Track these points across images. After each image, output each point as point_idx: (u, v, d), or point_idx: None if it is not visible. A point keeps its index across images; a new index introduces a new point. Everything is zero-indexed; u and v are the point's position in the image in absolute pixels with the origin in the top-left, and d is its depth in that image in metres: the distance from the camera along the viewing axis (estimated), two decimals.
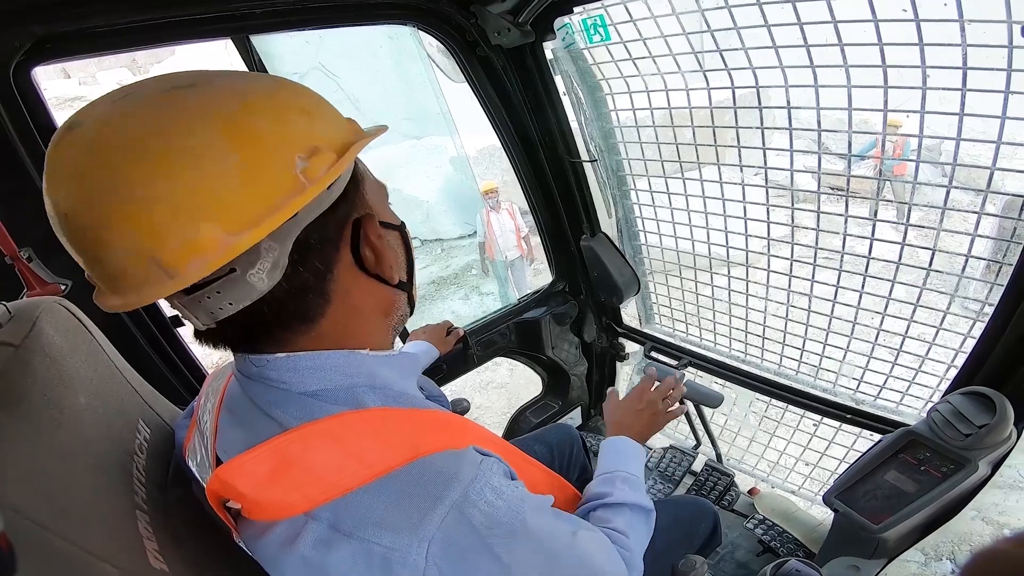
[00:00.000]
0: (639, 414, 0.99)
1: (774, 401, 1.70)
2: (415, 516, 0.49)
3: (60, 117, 0.98)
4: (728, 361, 1.76)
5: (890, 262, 1.28)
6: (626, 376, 2.16)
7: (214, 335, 0.54)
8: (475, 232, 5.76)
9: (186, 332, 1.21)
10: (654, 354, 1.93)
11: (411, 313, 0.68)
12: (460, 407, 1.42)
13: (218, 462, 0.59)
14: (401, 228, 0.65)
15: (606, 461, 0.88)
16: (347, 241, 0.56)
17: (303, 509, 0.49)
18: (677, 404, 1.04)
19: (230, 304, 0.50)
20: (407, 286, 0.65)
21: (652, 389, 1.03)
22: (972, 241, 1.14)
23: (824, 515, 1.55)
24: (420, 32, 1.44)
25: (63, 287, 0.92)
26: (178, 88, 0.48)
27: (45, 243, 0.96)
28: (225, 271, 0.48)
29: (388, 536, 0.48)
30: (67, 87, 10.51)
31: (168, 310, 1.18)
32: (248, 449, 0.52)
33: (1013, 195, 1.07)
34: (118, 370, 0.70)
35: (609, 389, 1.11)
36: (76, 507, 0.48)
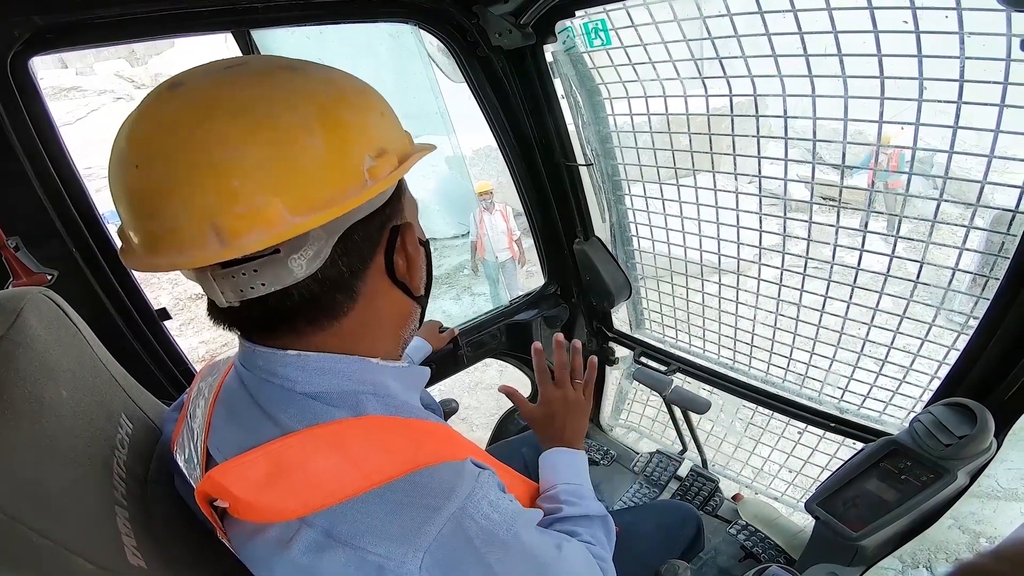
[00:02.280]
0: (554, 420, 0.88)
1: (760, 408, 1.72)
2: (412, 526, 0.49)
3: (55, 107, 0.97)
4: (716, 368, 1.78)
5: (878, 273, 1.29)
6: (614, 381, 2.17)
7: (232, 315, 0.54)
8: (468, 232, 5.75)
9: (172, 325, 1.21)
10: (643, 359, 1.94)
11: (418, 327, 0.69)
12: (448, 408, 1.42)
13: (208, 458, 0.58)
14: (426, 245, 0.66)
15: (543, 479, 0.82)
16: (384, 246, 0.58)
17: (298, 514, 0.49)
18: (586, 371, 0.90)
19: (263, 284, 0.50)
20: (424, 300, 0.67)
21: (552, 385, 0.90)
22: (960, 254, 1.16)
23: (805, 522, 1.56)
24: (421, 31, 1.44)
25: (49, 277, 0.92)
26: (283, 68, 0.51)
27: (32, 232, 0.95)
28: (269, 251, 0.48)
29: (384, 545, 0.48)
30: (63, 77, 10.40)
31: (155, 303, 1.17)
32: (244, 450, 0.51)
33: (1002, 209, 1.08)
34: (102, 363, 0.69)
35: (501, 387, 0.97)
36: (54, 501, 0.47)
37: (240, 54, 1.21)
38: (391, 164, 0.53)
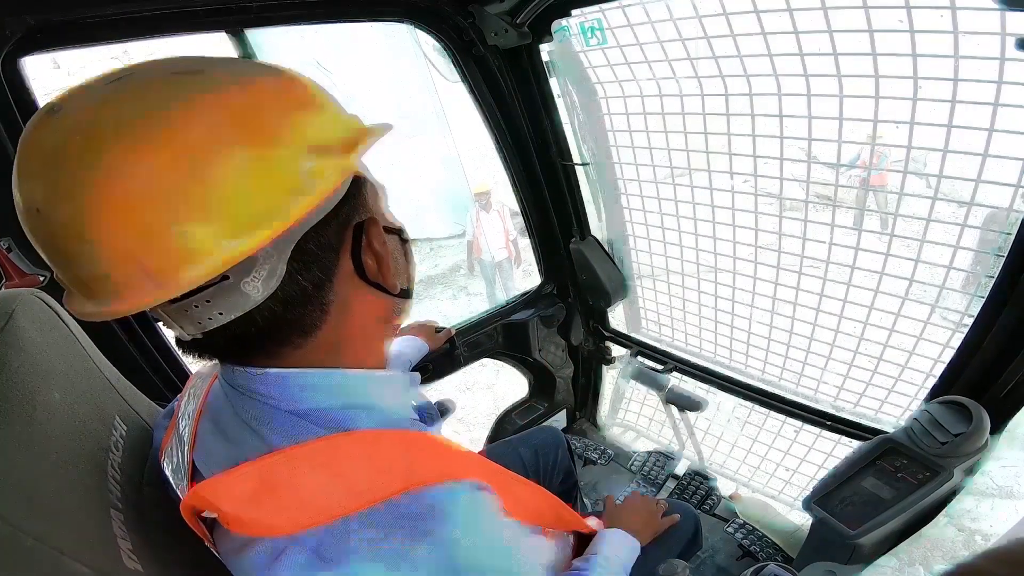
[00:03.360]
0: (634, 511, 1.04)
1: (756, 407, 1.72)
2: (401, 550, 0.47)
3: None
4: (713, 367, 1.78)
5: (873, 272, 1.30)
6: (611, 380, 2.17)
7: (200, 345, 0.51)
8: (464, 232, 5.75)
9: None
10: (640, 358, 1.94)
11: (405, 319, 0.65)
12: (445, 408, 1.41)
13: (194, 470, 0.57)
14: (401, 232, 0.61)
15: (594, 543, 0.89)
16: (348, 247, 0.53)
17: (287, 531, 0.47)
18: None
19: (220, 314, 0.46)
20: (407, 293, 0.62)
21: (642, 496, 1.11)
22: (954, 253, 1.16)
23: (803, 520, 1.57)
24: (417, 30, 1.44)
25: (41, 278, 0.91)
26: (182, 73, 0.44)
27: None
28: (217, 278, 0.44)
29: (371, 567, 0.46)
30: (55, 77, 10.33)
31: None
32: (231, 466, 0.50)
33: (996, 207, 1.09)
34: (95, 365, 0.68)
35: (606, 496, 1.15)
36: (48, 505, 0.47)
37: (235, 54, 1.21)
38: (334, 161, 0.47)
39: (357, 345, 0.57)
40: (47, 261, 0.45)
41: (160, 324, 1.17)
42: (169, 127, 0.41)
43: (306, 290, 0.49)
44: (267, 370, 0.52)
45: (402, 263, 0.61)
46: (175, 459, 0.60)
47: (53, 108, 0.43)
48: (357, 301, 0.55)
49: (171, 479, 0.60)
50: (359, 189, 0.54)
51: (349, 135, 0.51)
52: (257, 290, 0.46)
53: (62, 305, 0.67)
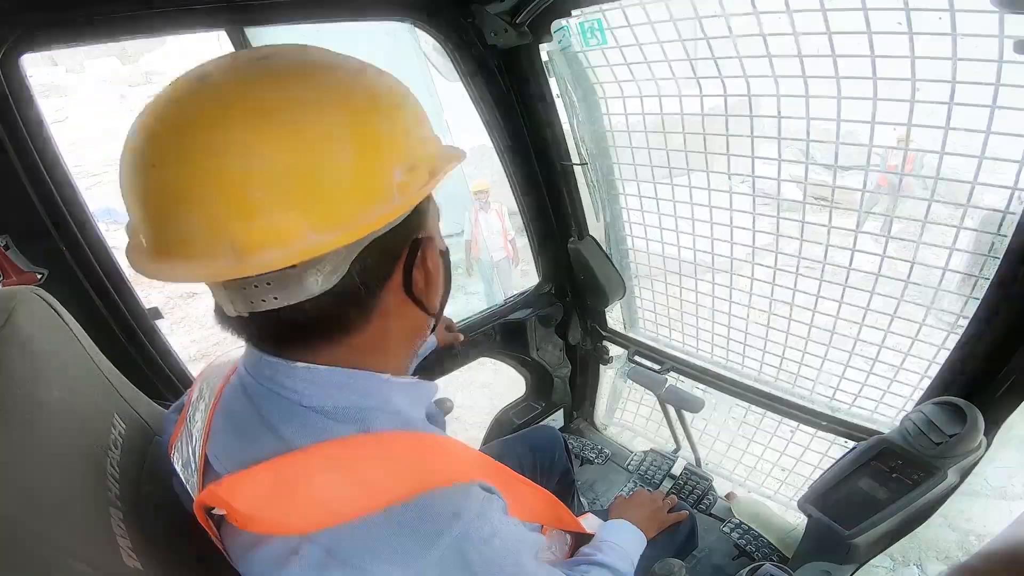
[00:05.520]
0: (639, 506, 1.09)
1: (753, 407, 1.73)
2: (415, 550, 0.48)
3: (45, 105, 0.96)
4: (709, 367, 1.78)
5: (869, 273, 1.30)
6: (609, 379, 2.17)
7: (240, 324, 0.52)
8: (462, 231, 5.74)
9: (163, 324, 1.20)
10: (637, 358, 1.95)
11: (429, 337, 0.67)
12: (443, 407, 1.41)
13: (206, 464, 0.57)
14: (446, 255, 0.63)
15: (601, 532, 0.96)
16: (403, 260, 0.55)
17: (301, 530, 0.48)
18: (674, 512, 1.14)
19: (275, 299, 0.47)
20: (439, 315, 0.64)
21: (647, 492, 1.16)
22: (950, 255, 1.17)
23: (798, 520, 1.57)
24: (417, 29, 1.43)
25: (39, 276, 0.91)
26: (317, 65, 0.48)
27: (22, 231, 0.94)
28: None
29: (384, 567, 0.47)
30: (53, 74, 10.29)
31: (147, 302, 1.16)
32: (247, 464, 0.50)
33: (992, 210, 1.09)
34: (94, 363, 0.68)
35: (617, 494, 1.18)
36: (47, 503, 0.47)
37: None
38: (422, 179, 0.50)
39: (386, 351, 0.59)
40: (138, 217, 0.47)
41: (158, 319, 1.18)
42: (298, 116, 0.43)
43: (359, 292, 0.51)
44: (298, 363, 0.53)
45: (442, 286, 0.63)
46: (185, 454, 0.60)
47: (204, 75, 0.45)
48: (396, 311, 0.56)
49: (180, 474, 0.60)
50: (425, 207, 0.56)
51: (434, 155, 0.54)
52: (317, 283, 0.47)
53: (60, 301, 0.67)
